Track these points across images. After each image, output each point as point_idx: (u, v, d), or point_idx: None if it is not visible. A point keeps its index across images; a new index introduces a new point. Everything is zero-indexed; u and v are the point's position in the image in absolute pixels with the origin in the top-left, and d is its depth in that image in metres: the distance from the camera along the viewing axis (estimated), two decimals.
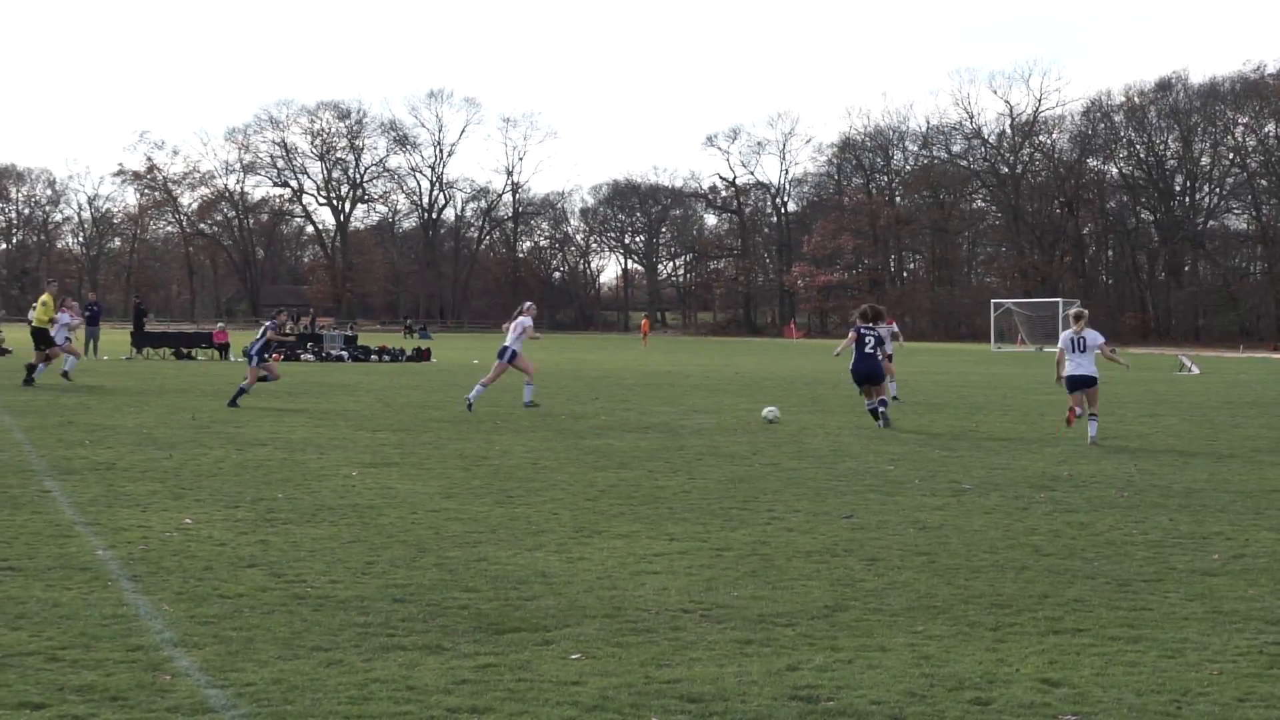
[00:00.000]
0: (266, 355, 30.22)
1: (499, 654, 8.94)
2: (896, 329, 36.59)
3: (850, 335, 27.12)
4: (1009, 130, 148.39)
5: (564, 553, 12.56)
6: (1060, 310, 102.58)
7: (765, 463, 20.12)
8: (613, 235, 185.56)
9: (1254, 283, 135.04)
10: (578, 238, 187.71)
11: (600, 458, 20.49)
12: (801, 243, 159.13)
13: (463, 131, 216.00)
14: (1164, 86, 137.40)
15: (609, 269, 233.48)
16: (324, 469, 18.52)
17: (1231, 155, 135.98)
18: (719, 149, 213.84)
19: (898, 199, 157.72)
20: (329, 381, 34.76)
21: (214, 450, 20.52)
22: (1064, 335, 24.48)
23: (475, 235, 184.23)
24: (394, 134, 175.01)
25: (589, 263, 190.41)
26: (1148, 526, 14.60)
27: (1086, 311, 25.22)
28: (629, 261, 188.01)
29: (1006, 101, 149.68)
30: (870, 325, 26.82)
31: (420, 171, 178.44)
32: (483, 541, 13.12)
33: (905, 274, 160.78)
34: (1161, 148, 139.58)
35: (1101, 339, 24.32)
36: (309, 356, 56.03)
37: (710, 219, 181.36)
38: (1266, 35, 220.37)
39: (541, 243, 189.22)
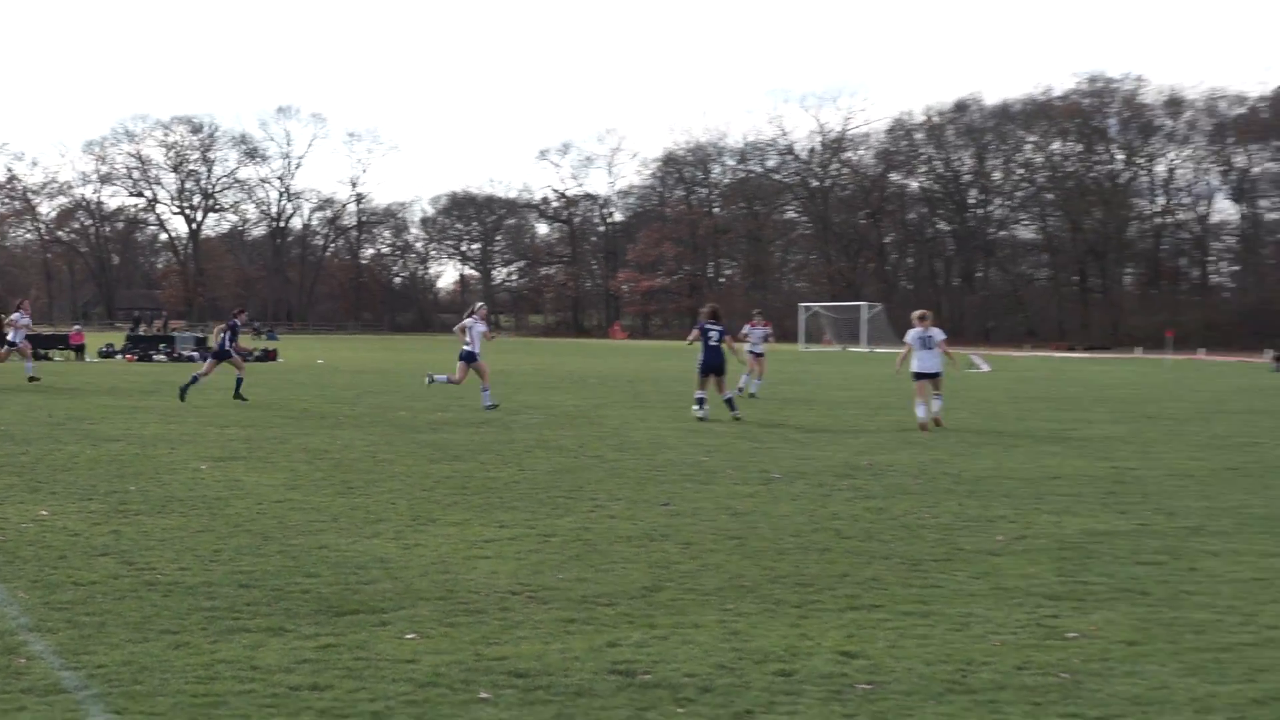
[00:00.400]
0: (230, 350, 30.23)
1: (338, 635, 8.91)
2: (770, 331, 36.75)
3: (695, 332, 27.73)
4: (819, 147, 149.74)
5: (401, 540, 12.53)
6: (864, 314, 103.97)
7: (590, 455, 20.18)
8: (450, 243, 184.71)
9: (1039, 288, 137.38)
10: (418, 245, 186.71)
11: (436, 451, 20.43)
12: (626, 250, 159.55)
13: (310, 145, 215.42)
14: (960, 107, 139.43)
15: (447, 274, 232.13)
16: (174, 463, 18.28)
17: (1021, 170, 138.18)
18: (551, 163, 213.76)
19: (716, 210, 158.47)
20: (181, 380, 34.06)
21: (69, 446, 20.19)
22: (911, 333, 25.43)
23: (321, 243, 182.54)
24: (244, 147, 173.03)
25: (428, 269, 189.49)
26: (939, 511, 14.84)
27: (930, 313, 26.29)
28: (466, 267, 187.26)
29: (817, 120, 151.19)
30: (714, 322, 27.42)
31: (269, 182, 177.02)
32: (324, 530, 13.05)
33: (722, 279, 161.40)
34: (958, 163, 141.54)
35: (943, 336, 25.54)
36: (161, 357, 55.18)
37: (542, 228, 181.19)
38: (1053, 61, 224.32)
39: (384, 250, 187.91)
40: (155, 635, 8.80)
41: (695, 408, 27.20)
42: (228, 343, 30.79)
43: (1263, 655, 8.61)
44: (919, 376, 25.10)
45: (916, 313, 26.15)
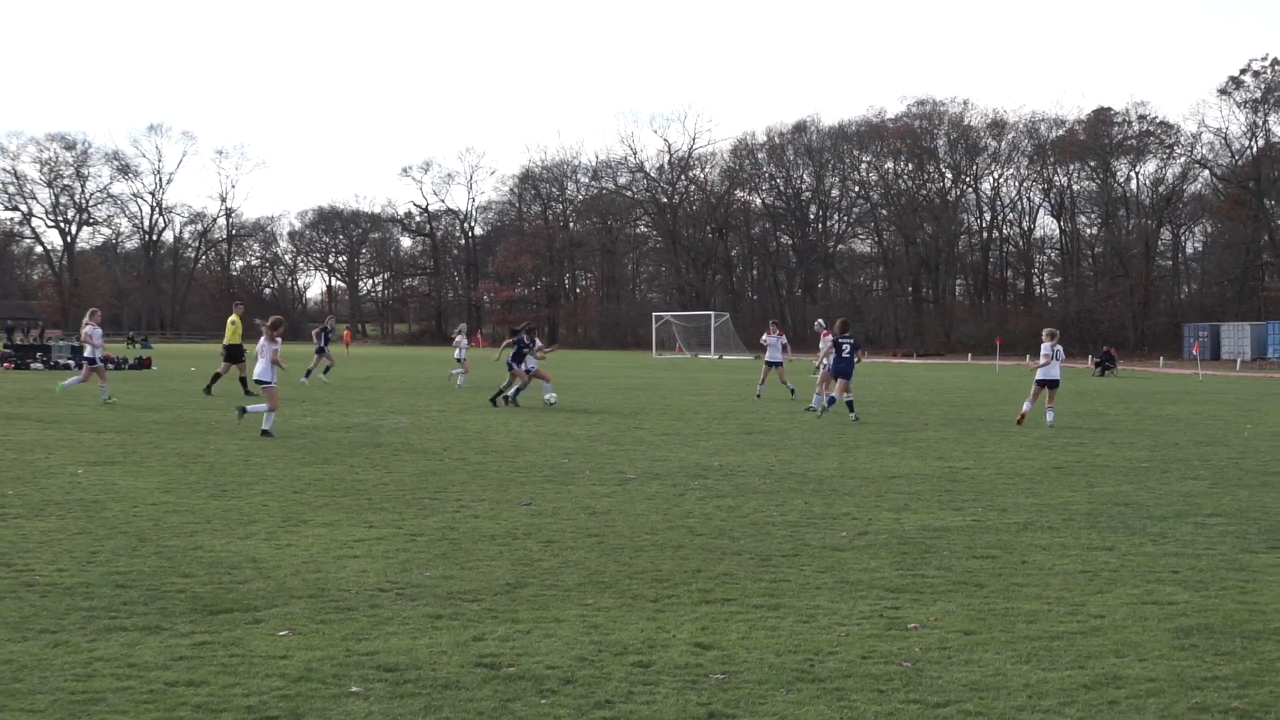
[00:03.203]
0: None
1: (213, 632, 8.78)
2: (785, 341, 36.91)
3: (830, 344, 30.34)
4: (668, 165, 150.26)
5: (273, 540, 12.37)
6: (712, 322, 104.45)
7: (455, 457, 20.06)
8: (318, 255, 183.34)
9: (876, 298, 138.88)
10: (286, 258, 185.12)
11: (306, 454, 20.21)
12: (487, 262, 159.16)
13: (180, 161, 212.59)
14: (800, 128, 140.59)
15: (315, 285, 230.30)
16: (52, 467, 17.91)
17: (857, 188, 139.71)
18: (413, 179, 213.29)
19: (571, 224, 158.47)
20: (53, 385, 33.45)
21: None
22: (829, 338, 30.41)
23: (192, 255, 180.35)
24: (117, 163, 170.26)
25: (296, 280, 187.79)
26: (786, 509, 14.91)
27: (846, 320, 30.26)
28: (333, 279, 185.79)
29: (665, 140, 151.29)
30: (846, 335, 29.79)
31: (141, 197, 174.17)
32: (199, 531, 12.86)
33: (578, 290, 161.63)
34: (798, 181, 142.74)
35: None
36: (39, 365, 54.15)
37: (406, 241, 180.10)
38: (886, 85, 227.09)
39: (253, 262, 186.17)
40: (34, 635, 8.64)
41: (824, 402, 29.82)
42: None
43: (1090, 643, 8.72)
44: (839, 373, 29.22)
45: (838, 322, 30.60)
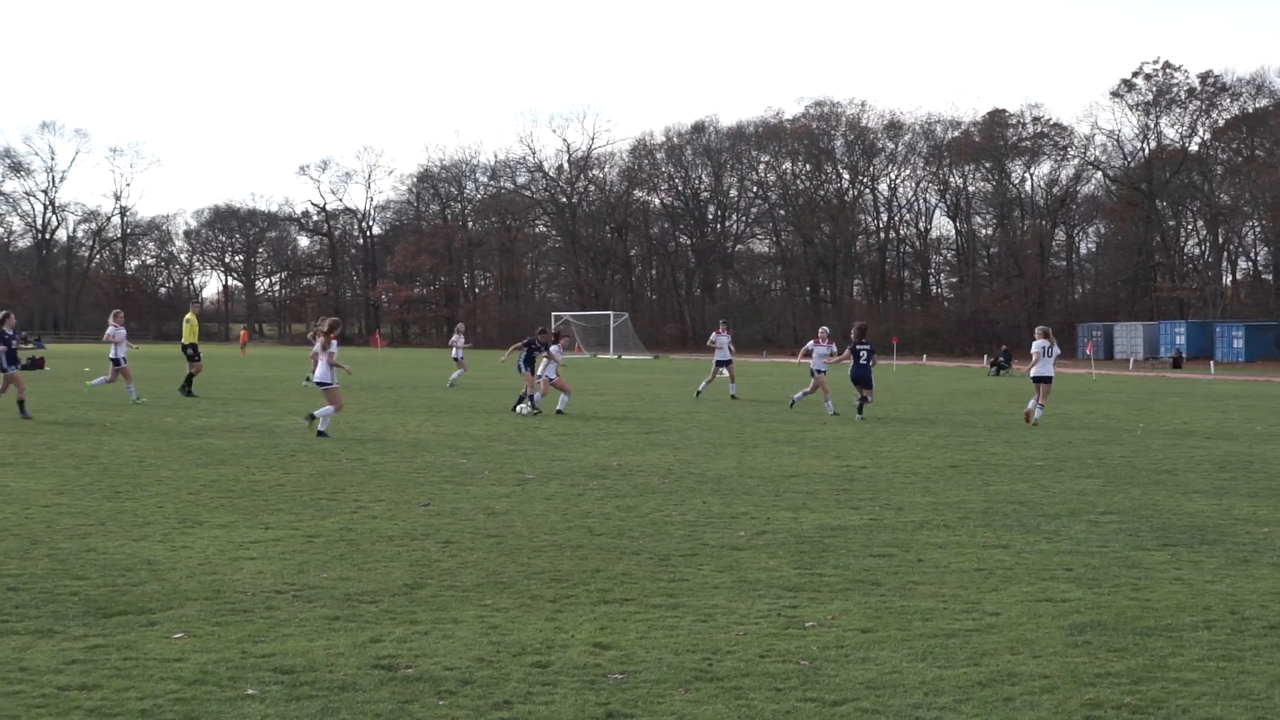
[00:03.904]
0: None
1: (107, 635, 8.68)
2: (834, 348, 36.59)
3: (847, 351, 30.03)
4: (567, 165, 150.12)
5: (168, 542, 12.25)
6: (612, 322, 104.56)
7: (352, 458, 19.94)
8: (214, 254, 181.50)
9: (775, 297, 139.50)
10: (182, 257, 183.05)
11: (202, 455, 20.02)
12: (385, 262, 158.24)
13: (73, 159, 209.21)
14: (699, 129, 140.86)
15: (211, 285, 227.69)
16: None
17: (755, 188, 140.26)
18: (310, 178, 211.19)
19: (470, 224, 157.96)
20: None
21: None
22: (820, 346, 31.51)
23: (86, 255, 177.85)
24: (8, 161, 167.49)
25: (192, 279, 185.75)
26: (685, 509, 14.95)
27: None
28: (229, 278, 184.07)
29: (564, 140, 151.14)
30: (863, 340, 29.78)
31: (34, 196, 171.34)
32: (92, 533, 12.71)
33: (477, 290, 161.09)
34: (697, 181, 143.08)
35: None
36: None
37: (303, 240, 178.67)
38: (783, 86, 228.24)
39: (148, 261, 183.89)
40: None
41: (859, 411, 29.61)
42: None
43: (986, 640, 8.81)
44: (819, 370, 31.01)
45: (823, 329, 32.18)
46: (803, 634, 8.96)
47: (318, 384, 24.55)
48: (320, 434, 23.21)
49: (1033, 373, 28.06)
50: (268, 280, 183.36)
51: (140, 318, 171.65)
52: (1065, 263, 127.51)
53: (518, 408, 29.76)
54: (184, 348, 35.26)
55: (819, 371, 31.53)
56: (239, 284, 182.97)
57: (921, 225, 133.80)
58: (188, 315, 36.22)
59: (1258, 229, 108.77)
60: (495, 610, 9.57)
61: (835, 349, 32.52)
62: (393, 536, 12.76)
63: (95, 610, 9.42)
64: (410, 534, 12.93)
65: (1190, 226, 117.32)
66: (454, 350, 45.75)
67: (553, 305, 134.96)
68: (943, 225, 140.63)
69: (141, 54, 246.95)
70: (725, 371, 37.41)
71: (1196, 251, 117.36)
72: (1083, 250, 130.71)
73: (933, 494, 16.49)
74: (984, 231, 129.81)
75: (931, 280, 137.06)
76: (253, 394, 36.30)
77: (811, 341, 32.43)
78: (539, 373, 30.62)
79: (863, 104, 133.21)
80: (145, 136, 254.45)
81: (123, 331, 32.13)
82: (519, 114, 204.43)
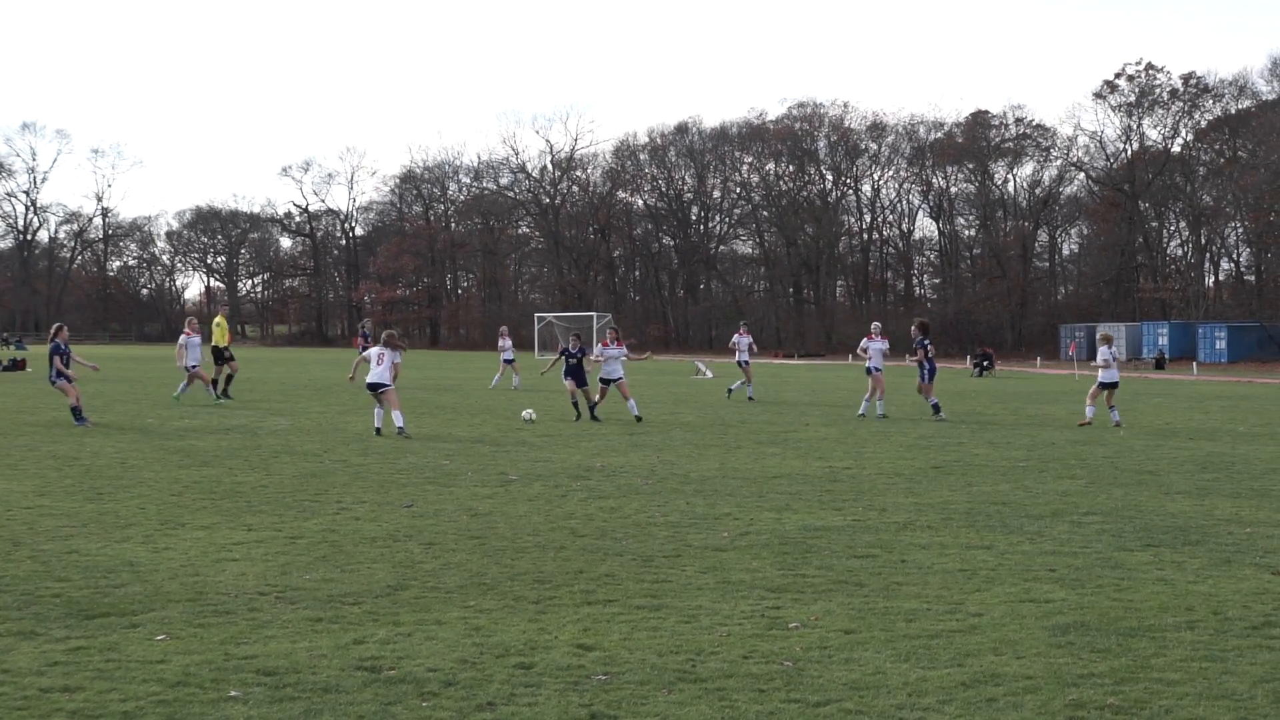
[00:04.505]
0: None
1: (89, 637, 8.68)
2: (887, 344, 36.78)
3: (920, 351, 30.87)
4: (550, 166, 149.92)
5: (150, 544, 12.23)
6: (595, 323, 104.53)
7: (335, 459, 19.92)
8: (196, 256, 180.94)
9: (758, 299, 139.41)
10: (164, 258, 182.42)
11: (184, 457, 19.99)
12: (368, 263, 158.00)
13: (55, 160, 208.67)
14: (682, 129, 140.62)
15: (193, 286, 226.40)
16: None
17: (739, 189, 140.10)
18: (293, 179, 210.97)
19: (453, 225, 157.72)
20: None
21: None
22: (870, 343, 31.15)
23: (68, 256, 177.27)
24: None
25: (174, 280, 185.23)
26: (668, 509, 14.96)
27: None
28: (211, 279, 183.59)
29: (547, 140, 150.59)
30: (925, 336, 31.02)
31: (15, 197, 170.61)
32: (74, 535, 12.70)
33: (460, 291, 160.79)
34: (680, 182, 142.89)
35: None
36: None
37: (286, 241, 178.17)
38: (767, 87, 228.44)
39: (130, 262, 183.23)
40: None
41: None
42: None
43: (969, 641, 8.82)
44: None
45: (875, 324, 32.29)
46: (786, 635, 8.97)
47: (369, 385, 24.88)
48: (400, 430, 24.10)
49: (1101, 378, 28.75)
50: (250, 281, 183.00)
51: (121, 319, 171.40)
52: (1048, 264, 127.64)
53: (594, 412, 28.20)
54: (216, 350, 35.35)
55: (877, 370, 30.93)
56: (221, 285, 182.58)
57: (904, 226, 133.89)
58: (217, 319, 36.40)
59: (1240, 230, 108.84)
60: (478, 611, 9.57)
61: (888, 345, 32.29)
62: (376, 538, 12.76)
63: (77, 612, 9.41)
64: (393, 535, 12.92)
65: (1173, 228, 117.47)
66: (506, 353, 45.28)
67: (535, 306, 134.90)
68: (926, 226, 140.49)
69: (123, 55, 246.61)
70: (744, 371, 37.87)
71: (1179, 252, 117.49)
72: (1065, 251, 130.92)
73: (916, 495, 16.51)
74: (967, 232, 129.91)
75: (915, 281, 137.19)
76: (236, 395, 36.22)
77: (866, 339, 31.94)
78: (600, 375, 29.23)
79: (846, 105, 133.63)
80: (127, 137, 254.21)
81: (195, 340, 32.38)
82: (502, 115, 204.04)
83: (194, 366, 32.72)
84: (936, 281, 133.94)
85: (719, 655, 8.41)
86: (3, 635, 8.72)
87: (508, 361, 43.95)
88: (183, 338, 32.70)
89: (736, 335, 38.52)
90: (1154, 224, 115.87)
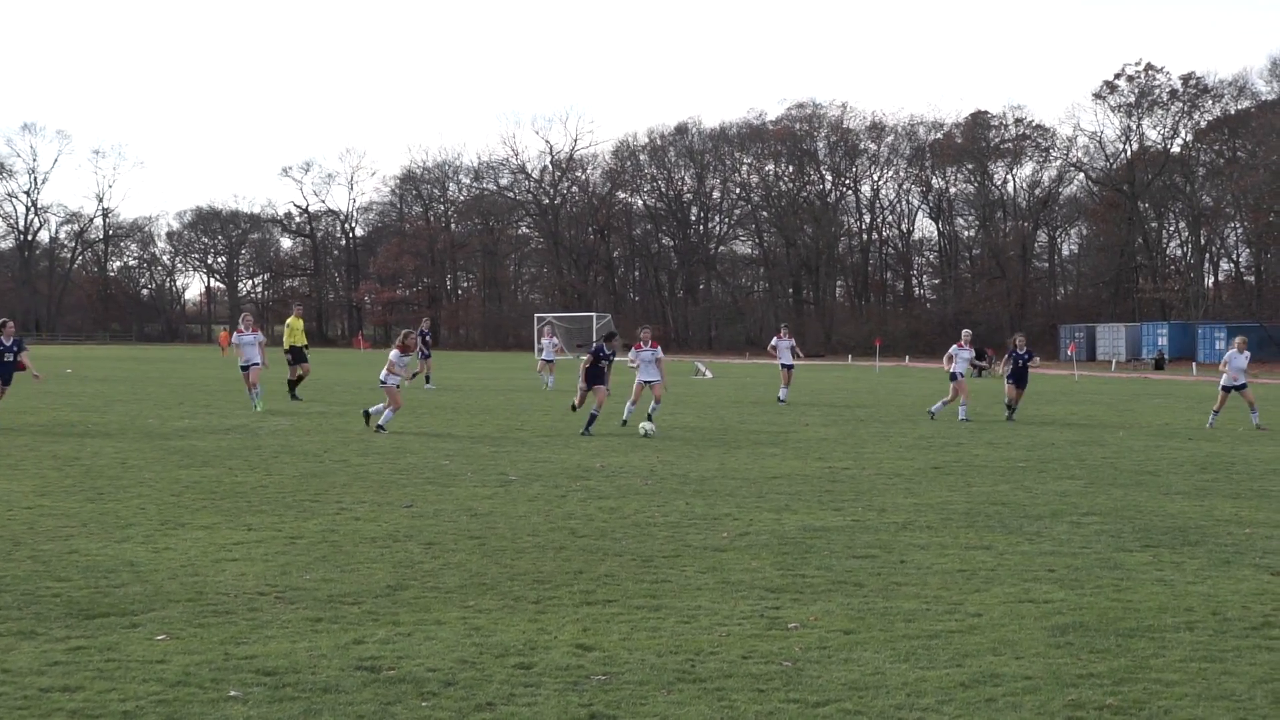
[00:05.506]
0: None
1: (89, 637, 8.68)
2: (794, 343, 37.33)
3: (1008, 359, 31.52)
4: (550, 166, 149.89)
5: (150, 544, 12.23)
6: (594, 323, 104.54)
7: (335, 459, 19.92)
8: (196, 256, 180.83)
9: (757, 299, 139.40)
10: (164, 258, 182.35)
11: (185, 457, 19.99)
12: (368, 263, 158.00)
13: (55, 161, 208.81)
14: (681, 130, 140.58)
15: (194, 286, 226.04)
16: None
17: (738, 190, 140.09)
18: (294, 179, 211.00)
19: (453, 225, 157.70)
20: None
21: None
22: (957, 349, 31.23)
23: (68, 256, 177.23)
24: None
25: (175, 281, 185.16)
26: (668, 510, 14.96)
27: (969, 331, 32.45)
28: (211, 280, 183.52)
29: (547, 141, 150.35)
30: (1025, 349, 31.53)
31: (16, 197, 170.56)
32: (74, 535, 12.69)
33: (460, 291, 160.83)
34: (679, 183, 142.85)
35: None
36: None
37: (286, 242, 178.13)
38: (766, 88, 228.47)
39: (131, 263, 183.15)
40: None
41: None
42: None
43: (968, 641, 8.83)
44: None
45: (963, 331, 31.98)
46: (785, 635, 8.97)
47: (381, 383, 25.82)
48: (379, 428, 24.72)
49: (1223, 382, 28.87)
50: (250, 282, 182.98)
51: (122, 319, 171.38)
52: (1048, 264, 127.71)
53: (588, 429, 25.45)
54: (288, 350, 35.41)
55: (960, 375, 31.02)
56: (222, 285, 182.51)
57: (904, 227, 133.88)
58: (290, 320, 36.13)
59: (1239, 230, 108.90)
60: (478, 611, 9.57)
61: (974, 352, 32.64)
62: (375, 538, 12.76)
63: (77, 612, 9.41)
64: (393, 535, 12.92)
65: (1172, 228, 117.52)
66: (544, 352, 45.35)
67: (535, 307, 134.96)
68: (925, 227, 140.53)
69: (124, 56, 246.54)
70: (784, 375, 37.39)
71: (1179, 253, 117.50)
72: (1065, 252, 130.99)
73: (915, 495, 16.52)
74: (966, 233, 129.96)
75: (914, 282, 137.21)
76: (236, 395, 36.19)
77: (955, 346, 31.93)
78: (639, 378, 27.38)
79: (845, 105, 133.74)
80: (128, 138, 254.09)
81: (250, 337, 31.38)
82: (502, 115, 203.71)
83: (249, 366, 31.23)
84: (936, 282, 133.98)
85: (718, 655, 8.41)
86: (3, 635, 8.72)
87: (548, 361, 44.64)
88: (236, 335, 31.72)
89: (776, 338, 38.05)
90: (1153, 224, 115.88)
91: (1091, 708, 7.40)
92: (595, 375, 26.24)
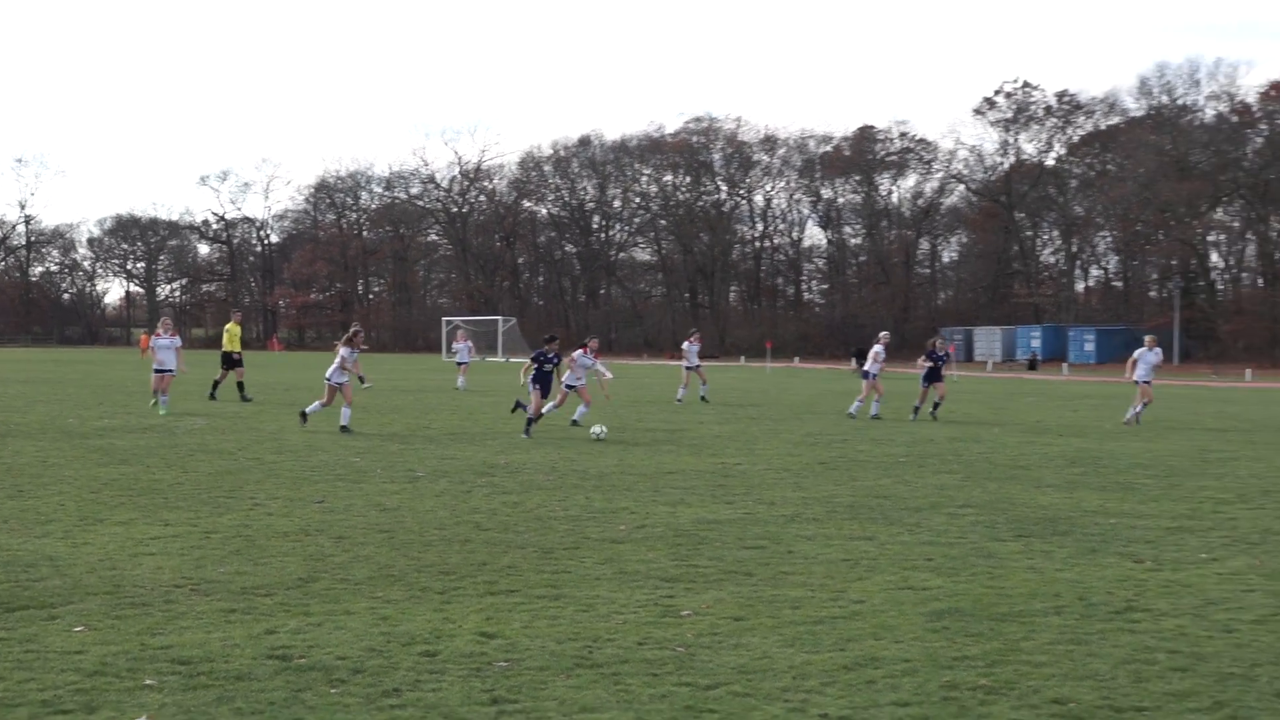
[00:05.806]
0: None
1: (8, 629, 8.57)
2: (700, 346, 38.07)
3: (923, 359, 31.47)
4: (458, 176, 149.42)
5: (70, 539, 12.09)
6: (500, 326, 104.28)
7: (249, 457, 19.76)
8: (116, 262, 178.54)
9: (655, 303, 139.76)
10: (85, 264, 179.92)
11: (104, 455, 19.75)
12: (283, 269, 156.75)
13: None
14: (584, 142, 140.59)
15: (114, 291, 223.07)
16: None
17: (638, 199, 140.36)
18: (211, 188, 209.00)
19: (365, 233, 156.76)
20: None
21: None
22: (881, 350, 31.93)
23: None
24: None
25: (95, 286, 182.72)
26: (568, 504, 14.97)
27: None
28: (131, 285, 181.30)
29: (455, 152, 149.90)
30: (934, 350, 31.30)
31: None
32: None
33: (371, 296, 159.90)
34: (582, 192, 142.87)
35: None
36: None
37: (203, 248, 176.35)
38: (664, 102, 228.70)
39: (53, 268, 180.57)
40: None
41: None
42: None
43: (851, 627, 8.91)
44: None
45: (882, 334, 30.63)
46: (679, 622, 9.01)
47: (327, 379, 25.36)
48: (343, 428, 24.44)
49: (1137, 376, 29.39)
50: (169, 287, 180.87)
51: (44, 323, 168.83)
52: (929, 270, 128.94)
53: (528, 430, 24.40)
54: (225, 355, 34.99)
55: (873, 375, 31.94)
56: (140, 290, 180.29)
57: (794, 235, 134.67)
58: (228, 325, 35.57)
59: (1109, 239, 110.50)
60: (386, 602, 9.54)
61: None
62: (287, 532, 12.68)
63: None
64: (304, 530, 12.85)
65: (1046, 236, 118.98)
66: (458, 355, 45.28)
67: (443, 310, 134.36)
68: (814, 235, 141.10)
69: (46, 66, 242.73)
70: (697, 375, 37.95)
71: (1052, 260, 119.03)
72: (945, 258, 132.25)
73: (803, 489, 16.63)
74: (853, 241, 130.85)
75: (804, 287, 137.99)
76: (152, 397, 35.80)
77: (877, 345, 32.74)
78: (565, 381, 27.18)
79: (739, 119, 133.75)
80: (50, 147, 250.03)
81: (166, 340, 30.15)
82: (412, 127, 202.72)
83: (163, 371, 30.13)
84: (824, 287, 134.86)
85: (615, 642, 8.44)
86: None
87: (461, 364, 45.00)
88: (154, 339, 30.50)
89: (687, 343, 38.69)
90: (1029, 233, 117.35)
91: (966, 688, 7.50)
92: (543, 381, 25.05)
